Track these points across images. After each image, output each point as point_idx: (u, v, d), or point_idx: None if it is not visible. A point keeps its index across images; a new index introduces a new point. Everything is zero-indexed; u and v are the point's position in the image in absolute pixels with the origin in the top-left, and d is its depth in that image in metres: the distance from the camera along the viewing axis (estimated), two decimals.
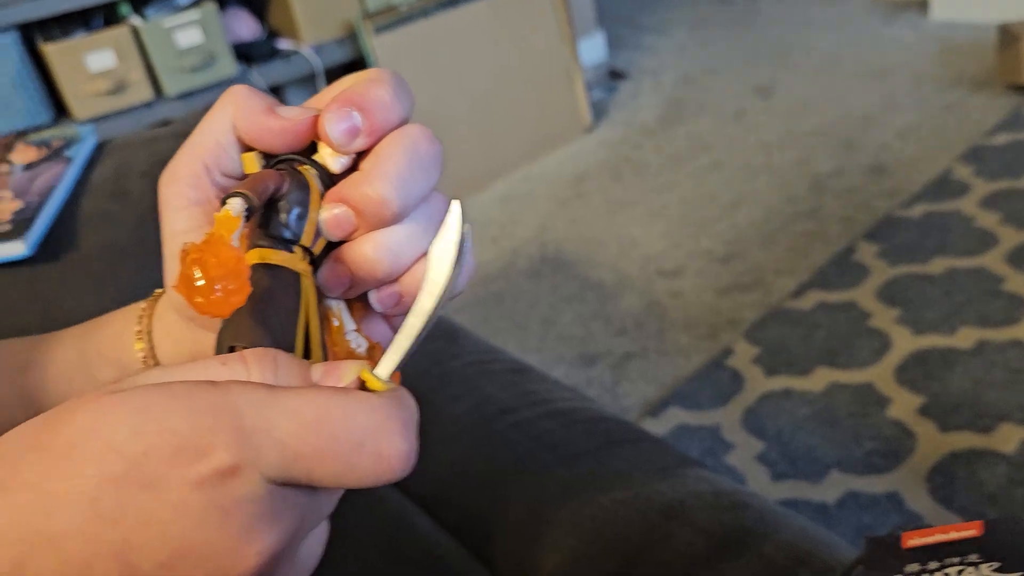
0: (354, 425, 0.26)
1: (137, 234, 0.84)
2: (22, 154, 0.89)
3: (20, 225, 0.78)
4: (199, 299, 0.28)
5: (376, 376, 0.28)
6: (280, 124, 0.33)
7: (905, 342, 1.45)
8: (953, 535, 0.38)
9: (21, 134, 0.94)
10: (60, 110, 1.89)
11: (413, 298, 0.30)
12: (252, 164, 0.34)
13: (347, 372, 0.28)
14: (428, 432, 0.77)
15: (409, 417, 0.28)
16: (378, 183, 0.32)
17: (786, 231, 1.83)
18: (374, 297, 0.36)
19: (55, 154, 0.89)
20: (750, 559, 0.57)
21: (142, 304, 0.44)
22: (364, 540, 0.68)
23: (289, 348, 0.31)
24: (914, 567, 0.37)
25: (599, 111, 2.55)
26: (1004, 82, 2.16)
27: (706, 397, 1.45)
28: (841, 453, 1.29)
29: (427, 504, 0.70)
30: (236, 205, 0.29)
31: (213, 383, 0.25)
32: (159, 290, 0.44)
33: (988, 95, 2.16)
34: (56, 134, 0.93)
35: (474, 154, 2.27)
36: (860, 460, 1.27)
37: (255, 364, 0.27)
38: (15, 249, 0.76)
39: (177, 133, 0.96)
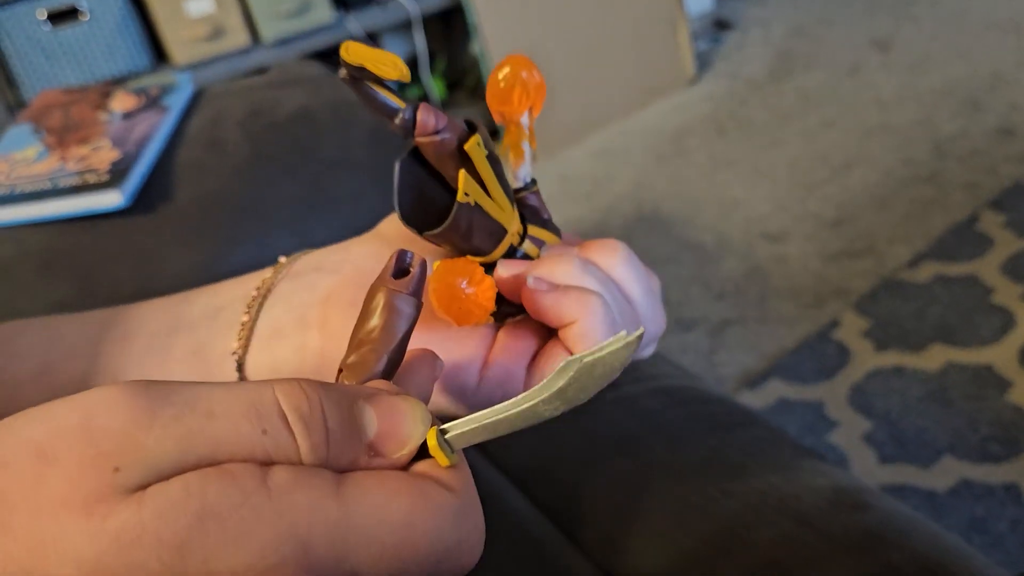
0: (439, 543, 0.22)
1: (231, 185, 0.83)
2: (121, 102, 0.88)
3: (117, 175, 0.77)
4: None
5: (445, 445, 0.24)
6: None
7: None
8: None
9: (120, 81, 0.93)
10: (159, 55, 1.91)
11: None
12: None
13: (411, 429, 0.23)
14: None
15: (480, 514, 0.24)
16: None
17: (902, 196, 1.71)
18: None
19: (153, 102, 0.88)
20: (874, 567, 0.52)
21: (255, 282, 0.38)
22: None
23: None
24: None
25: (703, 63, 2.44)
26: None
27: (809, 370, 1.37)
28: (955, 438, 1.20)
29: (521, 481, 0.67)
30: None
31: (268, 492, 0.20)
32: (284, 258, 0.39)
33: None
34: (154, 82, 0.91)
35: (571, 105, 2.20)
36: (975, 447, 1.18)
37: (291, 411, 0.22)
38: (112, 199, 0.75)
39: (273, 82, 0.94)
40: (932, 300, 1.44)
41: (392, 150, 0.92)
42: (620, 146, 2.17)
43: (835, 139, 1.97)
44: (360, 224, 0.85)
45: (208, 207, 0.81)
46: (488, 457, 0.70)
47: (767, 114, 2.15)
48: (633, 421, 0.65)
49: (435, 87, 2.27)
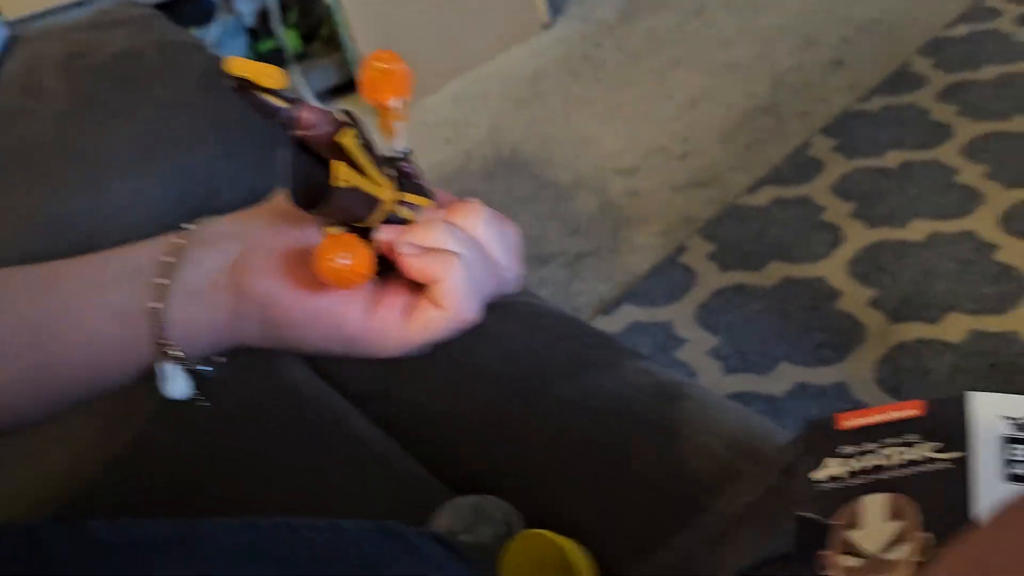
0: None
1: (54, 131, 0.80)
2: None
3: None
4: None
5: None
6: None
7: (858, 236, 1.45)
8: (893, 415, 0.37)
9: None
10: None
11: None
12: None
13: None
14: None
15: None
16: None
17: (744, 128, 1.80)
18: None
19: None
20: (688, 448, 0.57)
21: (165, 247, 0.40)
22: (301, 443, 0.67)
23: None
24: (849, 448, 0.36)
25: (556, 7, 2.47)
26: None
27: (659, 294, 1.45)
28: (791, 346, 1.30)
29: (364, 403, 0.69)
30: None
31: None
32: (192, 226, 0.41)
33: None
34: None
35: (427, 53, 2.19)
36: (810, 352, 1.28)
37: None
38: None
39: (94, 24, 0.90)
40: (770, 222, 1.53)
41: (228, 92, 0.90)
42: (478, 91, 2.18)
43: (682, 77, 2.04)
44: (195, 163, 0.84)
45: (30, 154, 0.78)
46: (331, 383, 0.71)
47: (618, 55, 2.20)
48: (469, 336, 0.68)
49: (288, 39, 2.22)
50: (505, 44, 2.32)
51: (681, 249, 1.52)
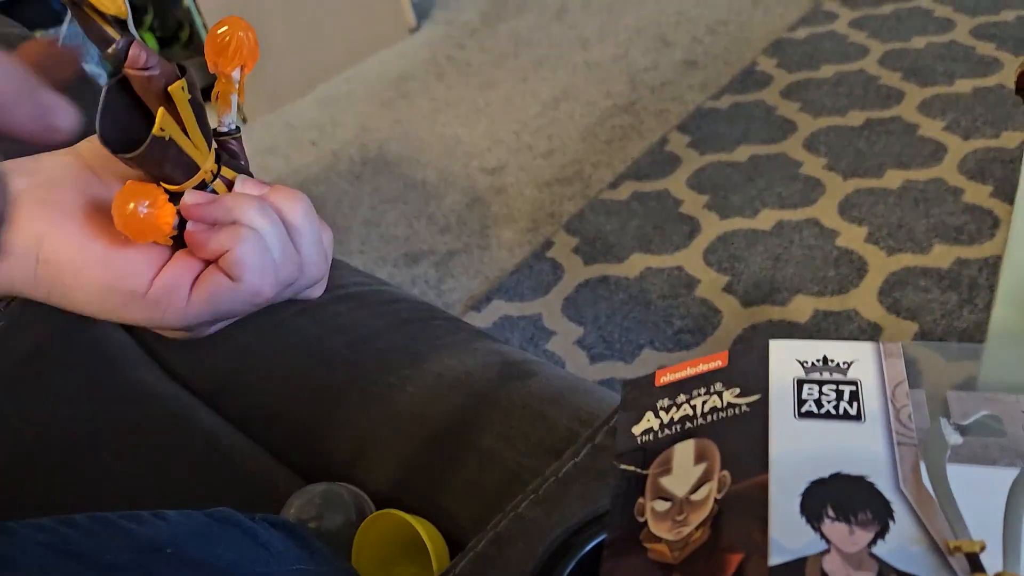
0: None
1: None
2: None
3: None
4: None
5: None
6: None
7: (712, 226, 1.52)
8: (702, 368, 0.39)
9: None
10: None
11: None
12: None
13: None
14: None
15: None
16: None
17: (604, 125, 1.85)
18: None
19: None
20: (534, 423, 0.59)
21: None
22: (144, 440, 0.65)
23: None
24: (664, 401, 0.38)
25: (422, 11, 2.47)
26: None
27: (527, 288, 1.47)
28: (653, 333, 1.34)
29: (212, 398, 0.68)
30: None
31: None
32: None
33: None
34: None
35: (294, 57, 2.16)
36: (670, 338, 1.33)
37: None
38: None
39: None
40: (631, 215, 1.58)
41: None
42: (344, 93, 2.16)
43: (545, 77, 2.09)
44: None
45: None
46: (181, 382, 0.69)
47: (482, 56, 2.23)
48: (318, 326, 0.67)
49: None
50: (371, 48, 2.31)
51: (547, 244, 1.55)
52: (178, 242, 0.36)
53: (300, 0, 2.14)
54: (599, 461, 0.42)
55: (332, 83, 2.21)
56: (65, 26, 0.33)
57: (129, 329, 0.77)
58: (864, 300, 1.31)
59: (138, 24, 2.12)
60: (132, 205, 0.33)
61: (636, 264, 1.48)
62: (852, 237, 1.43)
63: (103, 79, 2.14)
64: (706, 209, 1.56)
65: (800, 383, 0.35)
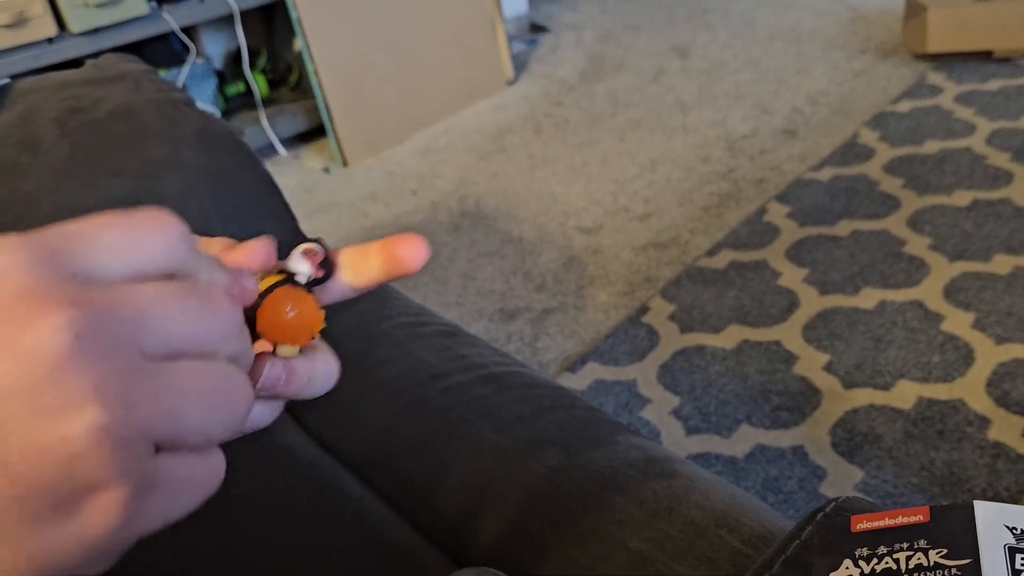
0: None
1: (50, 185, 0.80)
2: None
3: None
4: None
5: None
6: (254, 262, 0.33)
7: (812, 301, 1.51)
8: (901, 520, 0.39)
9: None
10: None
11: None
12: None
13: None
14: (359, 396, 0.77)
15: None
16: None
17: (701, 191, 1.87)
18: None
19: None
20: (679, 525, 0.60)
21: None
22: (295, 507, 0.68)
23: None
24: (864, 551, 0.39)
25: (520, 64, 2.53)
26: (910, 51, 2.24)
27: (623, 353, 1.48)
28: (751, 408, 1.34)
29: (358, 470, 0.70)
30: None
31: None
32: None
33: (894, 63, 2.23)
34: None
35: (394, 105, 2.23)
36: (768, 415, 1.33)
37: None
38: None
39: (91, 79, 0.91)
40: (728, 285, 1.59)
41: (219, 150, 0.91)
42: (444, 144, 2.22)
43: (642, 138, 2.11)
44: (191, 223, 0.85)
45: (25, 207, 0.78)
46: (327, 449, 0.72)
47: (580, 114, 2.26)
48: (464, 408, 0.69)
49: (257, 83, 2.23)
50: (470, 98, 2.37)
51: (643, 309, 1.56)
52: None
53: (403, 48, 2.21)
54: None
55: (431, 132, 2.28)
56: None
57: None
58: (971, 390, 1.29)
59: (252, 66, 2.22)
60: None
61: (733, 335, 1.48)
62: (958, 322, 1.41)
63: (219, 113, 2.24)
64: (805, 283, 1.56)
65: (1012, 551, 0.35)
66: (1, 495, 0.20)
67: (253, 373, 0.30)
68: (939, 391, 1.30)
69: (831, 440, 1.26)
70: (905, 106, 2.03)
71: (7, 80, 0.89)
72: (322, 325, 0.33)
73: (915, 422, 1.26)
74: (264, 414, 0.32)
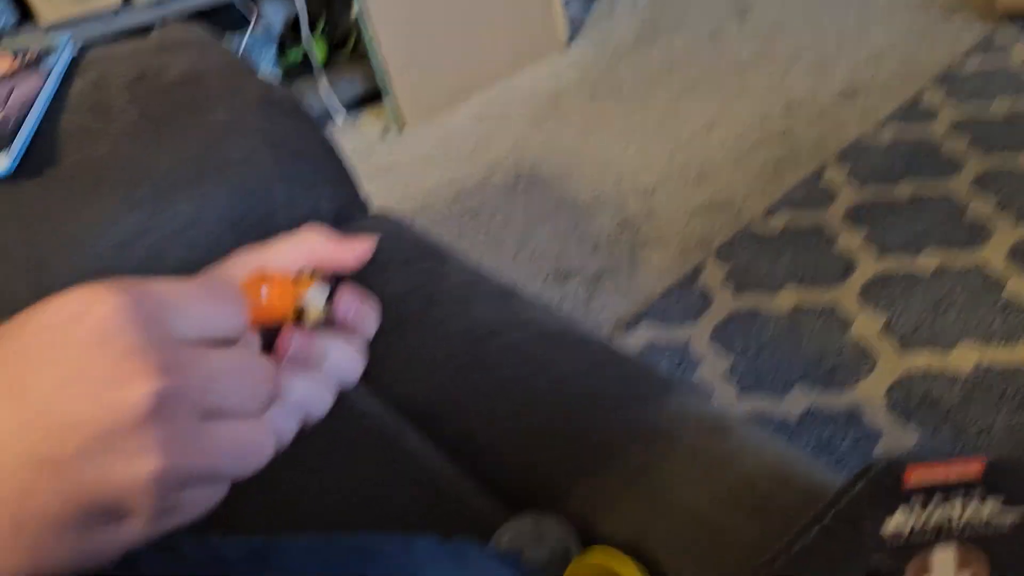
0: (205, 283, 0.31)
1: (121, 150, 0.83)
2: None
3: (1, 140, 0.77)
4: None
5: None
6: (354, 255, 0.39)
7: (870, 264, 1.49)
8: (957, 472, 0.39)
9: None
10: (25, 14, 1.81)
11: None
12: None
13: None
14: (418, 352, 0.79)
15: None
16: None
17: (758, 153, 1.84)
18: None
19: (31, 65, 0.87)
20: (732, 480, 0.61)
21: None
22: (357, 457, 0.70)
23: None
24: (917, 503, 0.39)
25: (575, 27, 2.51)
26: (977, 7, 2.16)
27: (676, 314, 1.49)
28: (804, 370, 1.34)
29: (417, 423, 0.73)
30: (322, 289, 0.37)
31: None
32: None
33: (961, 20, 2.16)
34: (32, 43, 0.90)
35: (451, 69, 2.23)
36: (822, 377, 1.32)
37: None
38: None
39: (158, 46, 0.94)
40: (784, 246, 1.57)
41: (281, 115, 0.94)
42: (499, 108, 2.22)
43: (698, 100, 2.09)
44: (253, 187, 0.88)
45: (98, 172, 0.81)
46: (388, 402, 0.75)
47: (635, 77, 2.24)
48: (520, 363, 0.71)
49: (316, 49, 2.25)
50: (526, 62, 2.36)
51: (697, 271, 1.56)
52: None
53: (459, 12, 2.21)
54: (830, 546, 0.44)
55: (487, 95, 2.28)
56: None
57: None
58: None
59: (311, 32, 2.24)
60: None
61: (789, 297, 1.47)
62: (1022, 286, 1.38)
63: (279, 78, 2.27)
64: (863, 246, 1.54)
65: None
66: (67, 508, 0.26)
67: (279, 348, 0.35)
68: (1000, 355, 1.28)
69: (887, 402, 1.25)
70: (972, 65, 1.97)
71: (76, 50, 0.93)
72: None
73: (974, 386, 1.24)
74: (318, 399, 0.37)
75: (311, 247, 0.39)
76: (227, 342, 0.30)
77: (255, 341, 0.33)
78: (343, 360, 0.37)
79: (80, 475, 0.25)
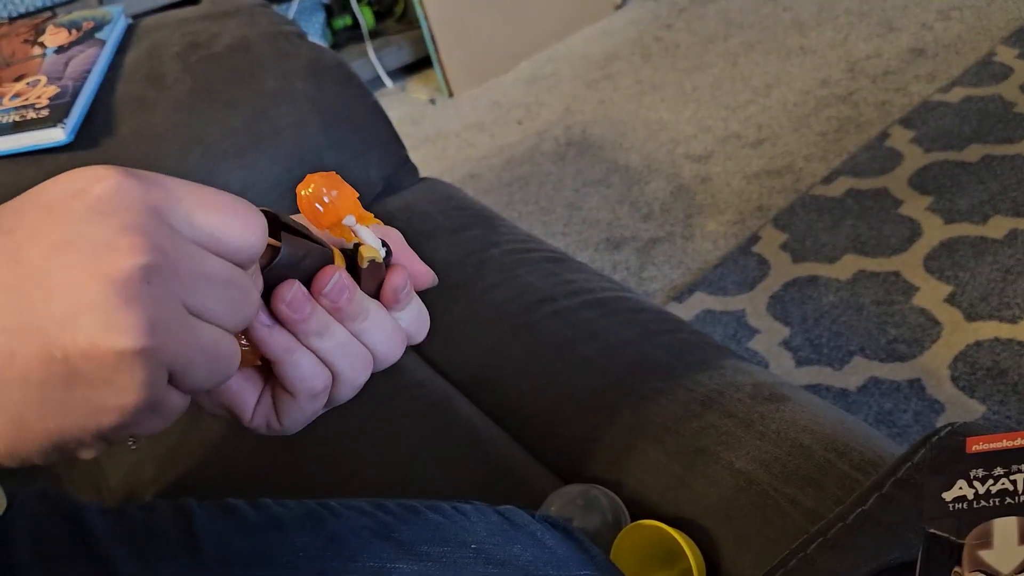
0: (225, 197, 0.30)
1: (175, 118, 0.84)
2: (53, 37, 0.87)
3: (58, 110, 0.78)
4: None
5: None
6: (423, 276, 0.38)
7: (935, 231, 1.44)
8: (1020, 442, 0.38)
9: (50, 16, 0.92)
10: None
11: None
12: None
13: None
14: (468, 318, 0.79)
15: None
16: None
17: (819, 115, 1.79)
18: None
19: (86, 36, 0.87)
20: (787, 448, 0.59)
21: None
22: (409, 424, 0.71)
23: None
24: (979, 472, 0.38)
25: None
26: None
27: (732, 283, 1.46)
28: (865, 340, 1.30)
29: (468, 389, 0.72)
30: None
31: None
32: None
33: None
34: (86, 15, 0.91)
35: (499, 33, 2.21)
36: (883, 347, 1.28)
37: None
38: (55, 136, 0.76)
39: (208, 14, 0.94)
40: (845, 213, 1.53)
41: (329, 82, 0.93)
42: (550, 72, 2.19)
43: (756, 61, 2.03)
44: (303, 154, 0.88)
45: (153, 140, 0.82)
46: (438, 369, 0.75)
47: (691, 38, 2.19)
48: (570, 331, 0.70)
49: (364, 16, 2.25)
50: (577, 24, 2.33)
51: (754, 238, 1.52)
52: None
53: None
54: (888, 513, 0.42)
55: (537, 60, 2.25)
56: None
57: None
58: None
59: None
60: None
61: (849, 266, 1.43)
62: None
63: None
64: (929, 212, 1.48)
65: None
66: (50, 373, 0.26)
67: (319, 282, 0.34)
68: None
69: (951, 374, 1.21)
70: None
71: (129, 20, 0.93)
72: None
73: None
74: (389, 347, 0.37)
75: (392, 237, 0.38)
76: (227, 257, 0.29)
77: (258, 279, 0.32)
78: (382, 326, 0.36)
79: (64, 341, 0.25)
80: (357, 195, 0.35)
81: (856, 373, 1.26)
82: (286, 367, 0.34)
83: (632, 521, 0.57)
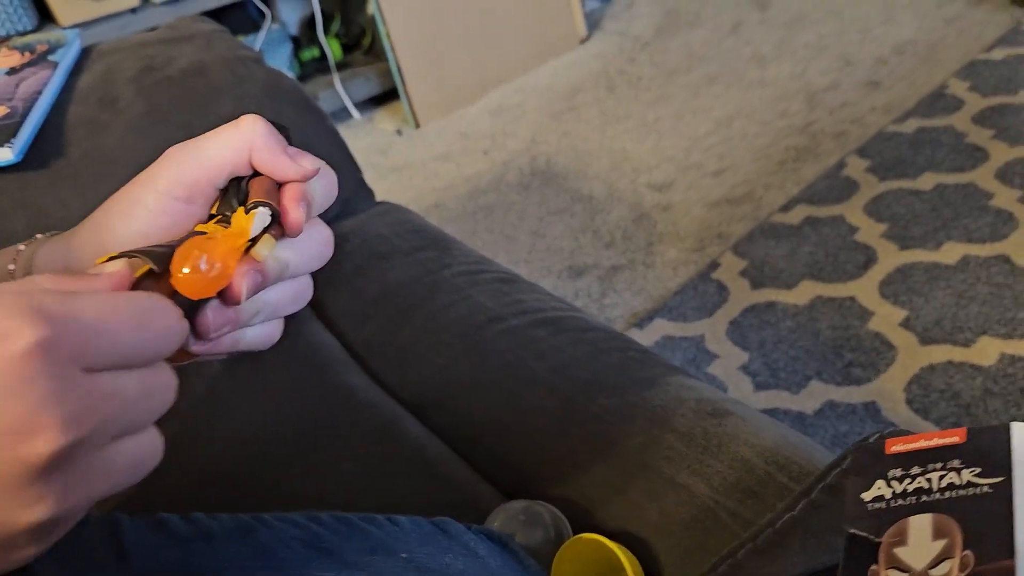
0: (137, 305, 0.30)
1: (127, 141, 0.84)
2: (5, 59, 0.87)
3: (6, 131, 0.78)
4: (188, 276, 0.33)
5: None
6: (296, 170, 0.38)
7: (890, 257, 1.47)
8: (936, 442, 0.39)
9: (3, 40, 0.92)
10: (44, 16, 1.84)
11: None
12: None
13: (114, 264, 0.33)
14: (420, 339, 0.79)
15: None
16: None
17: (778, 145, 1.82)
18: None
19: (40, 59, 0.88)
20: (728, 462, 0.60)
21: (20, 246, 0.43)
22: (357, 443, 0.70)
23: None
24: (897, 472, 0.39)
25: (593, 22, 2.50)
26: None
27: (691, 309, 1.47)
28: (821, 364, 1.32)
29: (418, 410, 0.72)
30: (264, 217, 0.36)
31: (19, 284, 0.29)
32: (41, 235, 0.44)
33: (988, 9, 2.12)
34: (40, 38, 0.91)
35: (466, 65, 2.23)
36: (840, 371, 1.30)
37: (46, 278, 0.31)
38: (2, 155, 0.76)
39: (164, 38, 0.94)
40: (803, 241, 1.55)
41: (286, 105, 0.94)
42: (515, 104, 2.22)
43: (717, 93, 2.07)
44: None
45: (104, 163, 0.82)
46: (388, 390, 0.75)
47: (654, 70, 2.23)
48: (520, 351, 0.71)
49: (331, 48, 2.26)
50: (543, 57, 2.36)
51: (714, 265, 1.54)
52: None
53: (475, 8, 2.21)
54: (816, 518, 0.43)
55: (504, 92, 2.28)
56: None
57: (336, 334, 0.84)
58: None
59: (325, 31, 2.25)
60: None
61: (806, 291, 1.45)
62: None
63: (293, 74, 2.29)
64: (884, 239, 1.51)
65: None
66: None
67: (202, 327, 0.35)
68: (1023, 348, 1.25)
69: (906, 397, 1.23)
70: (998, 54, 1.93)
71: (84, 45, 0.94)
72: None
73: (996, 379, 1.21)
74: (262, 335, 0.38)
75: (250, 139, 0.38)
76: (153, 360, 0.30)
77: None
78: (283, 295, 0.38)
79: None
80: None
81: (813, 397, 1.27)
82: (236, 345, 0.36)
83: (573, 535, 0.57)
